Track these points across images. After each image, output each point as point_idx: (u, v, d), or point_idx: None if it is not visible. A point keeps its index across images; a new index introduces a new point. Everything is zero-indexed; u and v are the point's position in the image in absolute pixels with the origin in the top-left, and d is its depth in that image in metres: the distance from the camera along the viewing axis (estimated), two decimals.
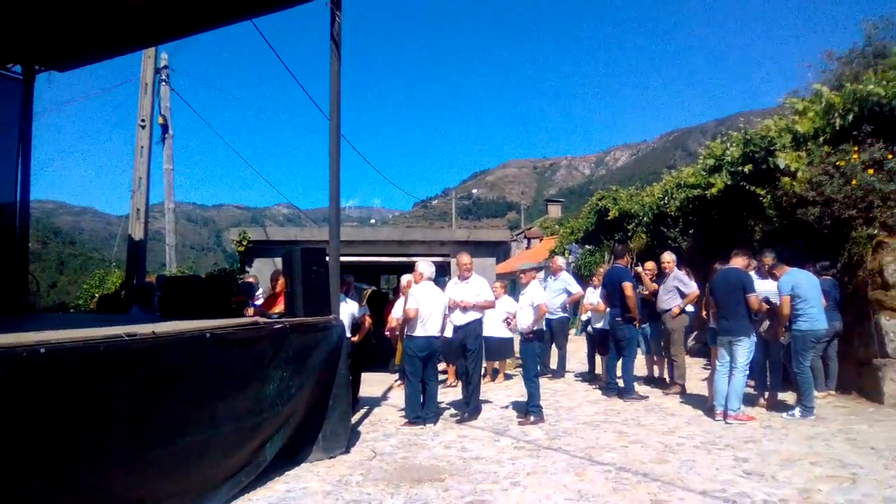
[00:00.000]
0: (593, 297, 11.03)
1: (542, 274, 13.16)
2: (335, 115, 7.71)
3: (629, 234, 19.28)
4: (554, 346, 12.25)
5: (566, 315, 12.38)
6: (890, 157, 9.72)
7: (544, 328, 8.88)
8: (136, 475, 4.53)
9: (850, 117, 10.78)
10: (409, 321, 8.36)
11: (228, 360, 5.50)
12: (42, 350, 3.85)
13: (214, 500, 5.28)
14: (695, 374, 11.09)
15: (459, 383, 9.65)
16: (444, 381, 11.14)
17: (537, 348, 8.66)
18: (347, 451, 7.05)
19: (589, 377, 11.57)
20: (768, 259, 9.03)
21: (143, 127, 14.36)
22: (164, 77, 18.16)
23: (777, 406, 8.69)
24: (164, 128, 17.98)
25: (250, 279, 12.17)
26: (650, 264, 10.91)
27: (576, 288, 12.03)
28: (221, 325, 5.62)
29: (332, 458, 6.82)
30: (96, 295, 15.70)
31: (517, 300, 9.31)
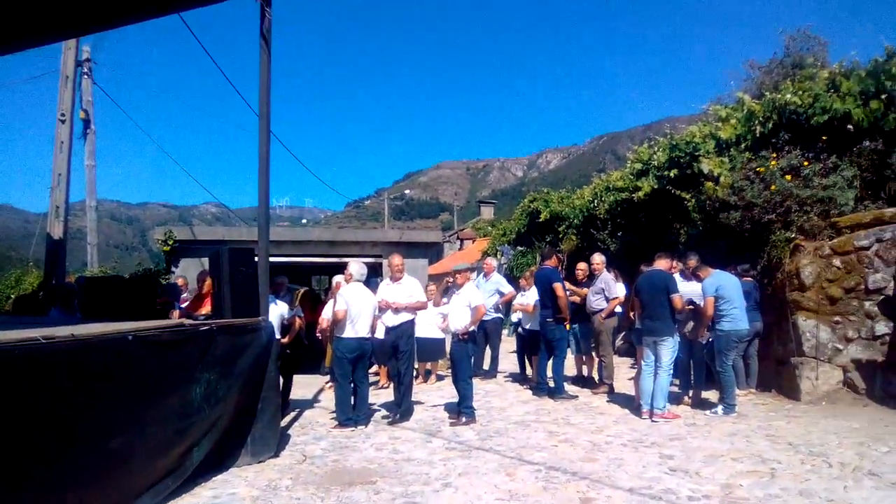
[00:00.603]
0: (523, 298, 11.16)
1: (474, 275, 13.24)
2: (265, 112, 7.58)
3: (560, 235, 19.54)
4: (487, 346, 12.33)
5: (499, 316, 12.48)
6: (806, 164, 10.13)
7: (476, 329, 8.92)
8: (58, 482, 4.35)
9: (770, 125, 11.21)
10: (337, 322, 8.28)
11: (153, 362, 5.35)
12: None
13: None
14: (622, 373, 11.32)
15: (391, 385, 9.61)
16: (375, 383, 11.08)
17: (471, 349, 8.69)
18: (277, 455, 6.94)
19: (520, 377, 11.69)
20: (692, 262, 9.29)
21: (63, 121, 13.78)
22: (86, 70, 17.53)
23: (701, 404, 8.95)
24: (86, 123, 17.37)
25: (178, 280, 11.85)
26: (582, 265, 11.11)
27: (507, 288, 12.14)
28: (145, 327, 5.45)
29: (261, 462, 6.69)
30: (12, 296, 15.05)
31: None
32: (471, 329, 8.51)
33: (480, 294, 9.40)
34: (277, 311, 8.40)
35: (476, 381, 9.55)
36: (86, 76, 17.50)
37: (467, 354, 8.57)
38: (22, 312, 11.39)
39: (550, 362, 9.97)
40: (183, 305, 9.40)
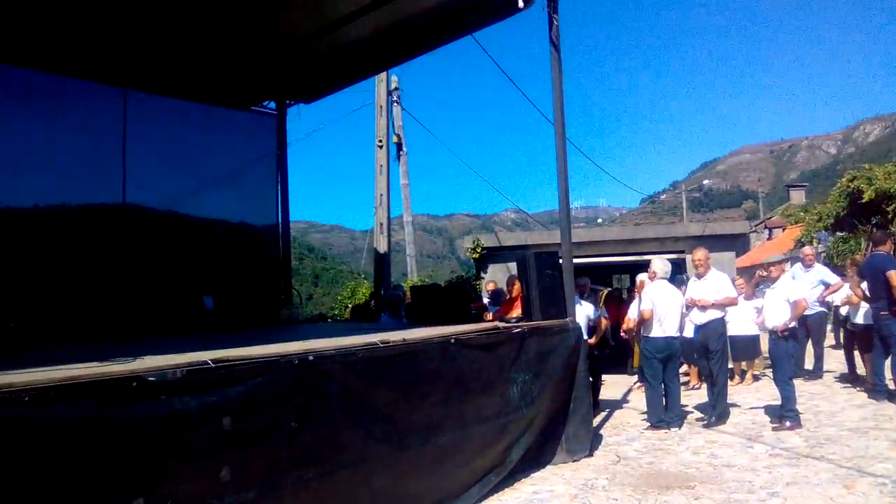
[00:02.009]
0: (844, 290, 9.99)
1: (789, 265, 12.17)
2: (559, 117, 7.75)
3: (890, 216, 17.22)
4: (810, 344, 11.27)
5: (823, 310, 11.33)
6: None
7: (796, 325, 8.21)
8: (396, 475, 4.88)
9: None
10: (644, 321, 8.16)
11: (473, 364, 5.73)
12: (311, 357, 4.30)
13: (467, 499, 5.52)
14: None
15: (703, 385, 9.21)
16: (686, 384, 10.70)
17: (791, 347, 8.03)
18: (591, 454, 7.03)
19: (850, 378, 10.50)
20: None
21: (381, 147, 15.41)
22: (395, 98, 19.36)
23: None
24: (399, 146, 19.14)
25: (488, 285, 12.54)
26: None
27: (834, 279, 10.98)
28: (464, 331, 5.88)
29: (575, 461, 6.83)
30: (349, 305, 17.06)
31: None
32: (791, 325, 7.87)
33: (800, 286, 8.65)
34: (584, 311, 8.53)
35: (798, 383, 8.80)
36: (396, 103, 19.31)
37: (787, 353, 7.93)
38: (358, 319, 12.91)
39: (889, 361, 8.82)
40: (495, 308, 9.94)
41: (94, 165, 8.96)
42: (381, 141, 15.47)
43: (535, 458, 6.62)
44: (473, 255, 14.28)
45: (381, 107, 15.74)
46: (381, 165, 15.47)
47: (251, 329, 8.67)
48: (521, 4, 7.65)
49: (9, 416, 2.94)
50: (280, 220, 11.05)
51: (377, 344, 4.78)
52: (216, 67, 9.66)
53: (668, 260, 8.91)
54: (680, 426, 8.10)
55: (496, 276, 13.45)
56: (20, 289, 8.16)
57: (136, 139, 9.15)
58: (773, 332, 8.00)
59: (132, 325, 8.41)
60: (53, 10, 7.65)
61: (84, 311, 8.39)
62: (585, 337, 7.84)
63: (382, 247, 15.22)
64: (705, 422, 8.25)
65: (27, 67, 8.18)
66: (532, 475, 6.41)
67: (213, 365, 3.69)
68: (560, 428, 6.89)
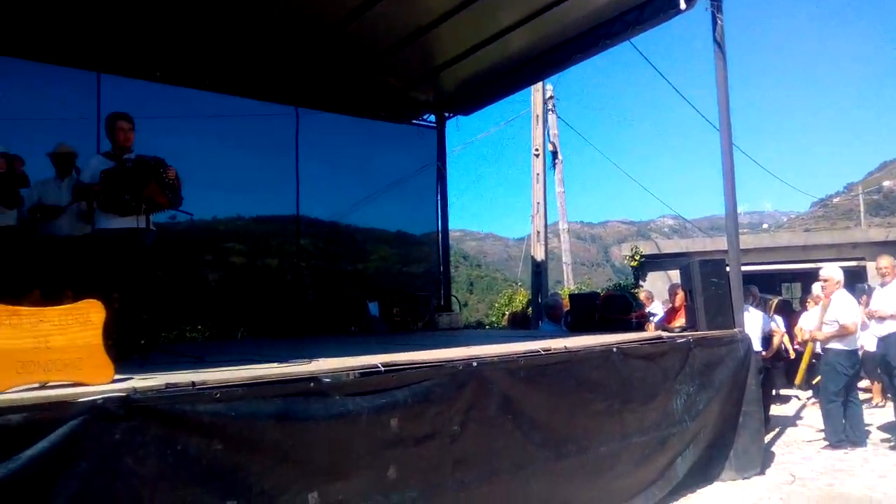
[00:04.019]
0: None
1: None
2: (725, 120, 7.45)
3: None
4: None
5: None
6: None
7: None
8: (554, 482, 4.87)
9: None
10: (846, 334, 7.56)
11: (635, 373, 5.62)
12: (474, 363, 4.40)
13: None
14: None
15: (888, 403, 8.47)
16: (867, 401, 9.88)
17: None
18: (762, 472, 6.66)
19: None
20: None
21: (537, 155, 15.45)
22: (550, 107, 19.33)
23: None
24: (554, 154, 19.08)
25: (641, 294, 12.23)
26: None
27: None
28: (627, 340, 5.79)
29: (745, 478, 6.50)
30: (506, 313, 17.19)
31: None
32: None
33: None
34: (754, 321, 8.11)
35: None
36: (550, 112, 19.27)
37: None
38: (515, 326, 12.99)
39: None
40: (655, 317, 9.67)
41: (272, 180, 9.77)
42: (537, 150, 15.50)
43: (702, 474, 6.36)
44: (632, 263, 13.98)
45: (537, 116, 15.78)
46: (538, 174, 15.49)
47: (413, 334, 8.99)
48: (682, 6, 7.45)
49: (205, 411, 3.24)
50: (439, 229, 11.42)
51: (539, 351, 4.82)
52: (379, 85, 10.15)
53: (844, 268, 8.32)
54: (863, 446, 7.50)
55: (655, 285, 13.09)
56: (207, 293, 8.98)
57: (307, 154, 9.86)
58: None
59: (305, 327, 9.04)
60: (239, 41, 8.40)
61: (262, 314, 9.12)
62: (757, 348, 7.46)
63: (539, 255, 15.22)
64: (892, 442, 7.59)
65: (217, 91, 9.06)
66: (699, 491, 6.16)
67: (383, 369, 3.87)
68: (728, 443, 6.58)
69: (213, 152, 9.08)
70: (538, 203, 15.41)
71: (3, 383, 3.09)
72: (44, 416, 2.86)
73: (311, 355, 4.67)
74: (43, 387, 3.20)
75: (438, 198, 11.44)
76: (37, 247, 6.31)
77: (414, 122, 11.39)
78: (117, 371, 3.44)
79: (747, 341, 6.96)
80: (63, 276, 6.12)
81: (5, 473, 2.68)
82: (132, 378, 3.49)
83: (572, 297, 10.63)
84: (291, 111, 9.89)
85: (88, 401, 2.97)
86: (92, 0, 7.28)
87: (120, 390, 3.11)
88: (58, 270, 6.09)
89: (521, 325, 12.72)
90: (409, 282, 11.10)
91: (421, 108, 11.31)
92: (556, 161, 19.14)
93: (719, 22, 7.44)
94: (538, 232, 15.28)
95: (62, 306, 3.55)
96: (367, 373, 3.83)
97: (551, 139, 18.19)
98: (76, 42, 8.07)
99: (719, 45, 7.44)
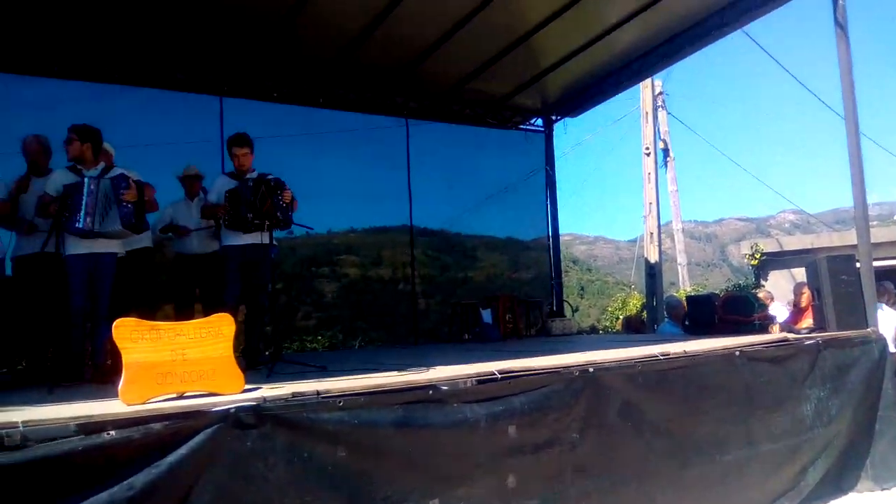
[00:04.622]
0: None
1: None
2: (850, 107, 7.03)
3: None
4: None
5: None
6: None
7: None
8: (678, 492, 4.72)
9: None
10: None
11: (760, 378, 5.39)
12: (591, 369, 4.35)
13: None
14: None
15: None
16: None
17: None
18: None
19: None
20: None
21: (648, 154, 15.08)
22: (659, 103, 18.82)
23: None
24: (665, 152, 18.56)
25: (761, 294, 11.68)
26: None
27: None
28: (750, 343, 5.56)
29: (884, 489, 6.08)
30: (620, 317, 16.86)
31: None
32: None
33: None
34: (887, 321, 7.60)
35: None
36: (660, 108, 18.77)
37: None
38: (631, 331, 12.70)
39: None
40: (777, 318, 9.22)
41: (384, 191, 10.09)
42: (647, 148, 15.14)
43: (835, 484, 6.00)
44: (752, 262, 13.39)
45: (646, 113, 15.43)
46: (649, 173, 15.12)
47: (526, 341, 8.98)
48: None
49: (329, 419, 3.36)
50: (550, 233, 11.38)
51: (657, 356, 4.70)
52: (485, 92, 10.22)
53: None
54: None
55: (778, 284, 12.49)
56: (324, 304, 9.34)
57: (417, 164, 10.09)
58: None
59: (419, 335, 9.26)
60: (348, 60, 8.75)
61: (377, 323, 9.44)
62: (893, 349, 6.99)
63: (653, 256, 14.83)
64: None
65: (330, 108, 9.45)
66: (832, 502, 5.83)
67: (500, 376, 3.89)
68: (864, 451, 6.18)
69: (326, 167, 9.42)
70: (650, 203, 15.04)
71: (144, 394, 3.31)
72: (183, 424, 3.03)
73: (428, 363, 4.74)
74: (180, 397, 3.41)
75: (548, 202, 11.38)
76: (170, 264, 6.73)
77: (521, 127, 11.37)
78: (245, 381, 3.62)
79: (882, 342, 6.53)
80: (194, 291, 6.50)
81: (149, 479, 2.87)
82: (260, 388, 3.66)
83: (689, 298, 10.28)
84: (402, 122, 10.13)
85: (222, 410, 3.13)
86: (215, 30, 7.70)
87: (250, 400, 3.26)
88: (189, 286, 6.47)
89: (637, 329, 12.42)
90: (518, 288, 11.09)
91: (528, 112, 11.28)
92: (668, 159, 18.61)
93: (840, 1, 7.06)
94: (651, 233, 14.90)
95: (197, 320, 3.78)
96: (484, 380, 3.85)
97: (662, 136, 17.72)
98: (200, 70, 8.59)
99: (841, 26, 7.04)
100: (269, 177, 5.51)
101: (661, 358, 4.72)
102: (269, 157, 6.43)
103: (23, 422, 2.77)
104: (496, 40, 8.73)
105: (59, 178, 5.09)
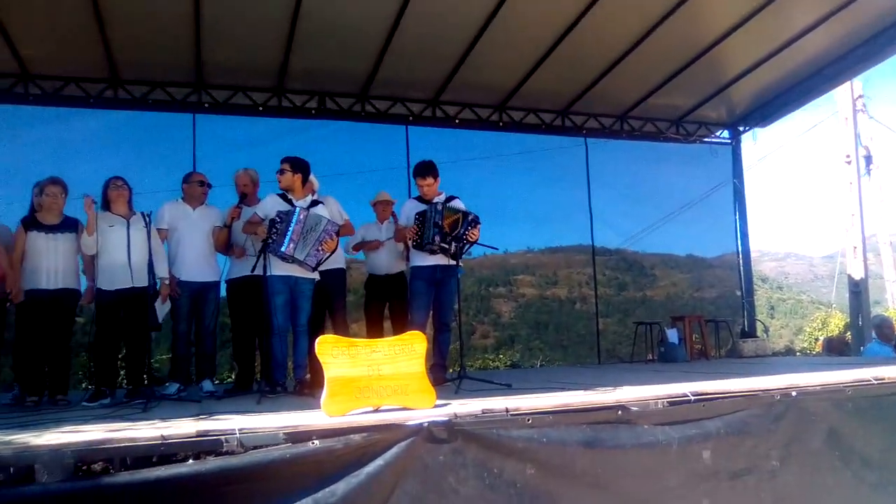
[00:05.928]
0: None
1: None
2: None
3: None
4: None
5: None
6: None
7: None
8: None
9: None
10: None
11: None
12: (794, 393, 4.08)
13: None
14: None
15: None
16: None
17: None
18: None
19: None
20: None
21: (848, 162, 13.91)
22: (859, 107, 17.30)
23: None
24: (868, 159, 17.07)
25: None
26: None
27: None
28: None
29: None
30: (819, 338, 15.64)
31: None
32: None
33: None
34: None
35: None
36: (860, 112, 17.28)
37: None
38: (832, 353, 11.72)
39: None
40: None
41: (562, 211, 10.06)
42: (847, 156, 13.96)
43: None
44: None
45: (845, 118, 14.25)
46: (851, 183, 13.92)
47: (715, 362, 8.58)
48: None
49: (518, 436, 3.40)
50: (739, 250, 10.79)
51: (870, 380, 4.32)
52: (668, 106, 9.96)
53: None
54: None
55: None
56: (503, 323, 9.45)
57: (597, 182, 9.97)
58: None
59: (599, 354, 9.13)
60: (522, 82, 8.88)
61: (556, 342, 9.41)
62: None
63: (857, 272, 13.57)
64: None
65: (508, 130, 9.66)
66: None
67: (693, 398, 3.75)
68: None
69: (504, 188, 9.59)
70: (852, 215, 13.80)
71: (345, 407, 3.53)
72: (380, 437, 3.20)
73: (614, 383, 4.66)
74: (376, 410, 3.59)
75: (737, 217, 10.79)
76: (361, 284, 7.10)
77: (705, 140, 10.88)
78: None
79: None
80: (383, 310, 6.81)
81: (349, 487, 3.05)
82: (450, 403, 3.78)
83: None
84: (580, 142, 10.03)
85: (416, 424, 3.26)
86: (400, 67, 8.25)
87: (442, 415, 3.38)
88: (379, 304, 6.78)
89: (840, 351, 11.43)
90: (702, 307, 10.60)
91: (712, 124, 10.81)
92: (872, 167, 17.07)
93: None
94: (854, 247, 13.65)
95: (391, 338, 3.98)
96: (677, 402, 3.73)
97: (863, 142, 16.31)
98: (388, 102, 9.06)
99: None
100: (471, 216, 5.65)
101: (875, 382, 4.33)
102: (450, 179, 6.65)
103: (239, 429, 3.05)
104: (677, 54, 8.53)
105: (271, 204, 5.52)
